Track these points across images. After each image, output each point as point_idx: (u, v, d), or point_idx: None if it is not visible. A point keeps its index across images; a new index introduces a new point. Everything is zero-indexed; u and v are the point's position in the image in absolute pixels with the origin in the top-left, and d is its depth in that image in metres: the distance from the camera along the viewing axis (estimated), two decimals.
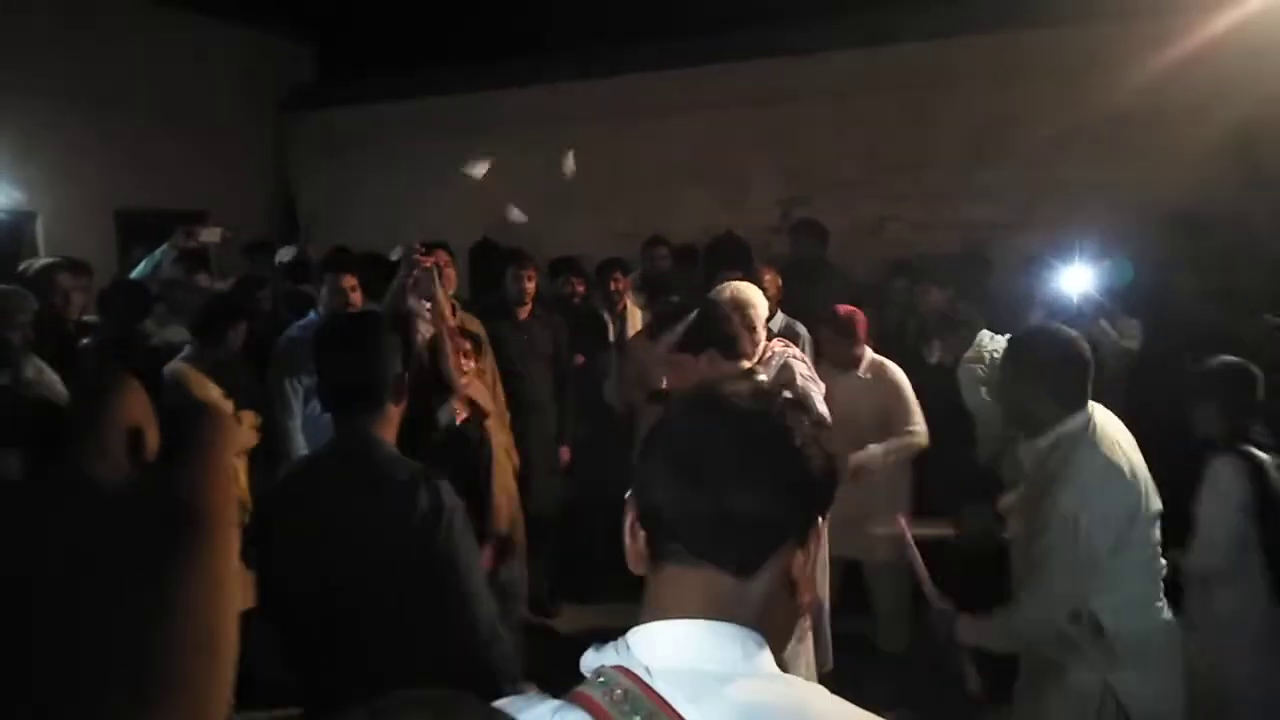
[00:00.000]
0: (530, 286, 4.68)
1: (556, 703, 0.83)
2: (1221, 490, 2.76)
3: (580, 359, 4.95)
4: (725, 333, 2.82)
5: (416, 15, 8.37)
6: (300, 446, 3.92)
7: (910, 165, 6.37)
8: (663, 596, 0.91)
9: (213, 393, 3.73)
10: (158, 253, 5.13)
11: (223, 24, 8.04)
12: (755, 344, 3.10)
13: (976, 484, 3.53)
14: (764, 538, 0.91)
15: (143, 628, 0.29)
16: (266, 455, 3.86)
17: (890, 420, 3.84)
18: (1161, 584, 2.39)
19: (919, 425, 3.86)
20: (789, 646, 2.70)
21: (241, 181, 8.17)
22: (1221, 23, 5.34)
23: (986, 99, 6.07)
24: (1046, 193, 5.84)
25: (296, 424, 3.95)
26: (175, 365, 3.79)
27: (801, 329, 4.32)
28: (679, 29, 7.00)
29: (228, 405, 3.71)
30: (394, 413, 1.96)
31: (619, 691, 0.81)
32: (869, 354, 4.01)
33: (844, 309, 4.04)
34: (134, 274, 5.22)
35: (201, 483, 0.33)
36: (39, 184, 6.56)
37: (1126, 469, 2.26)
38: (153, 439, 0.33)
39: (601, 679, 0.84)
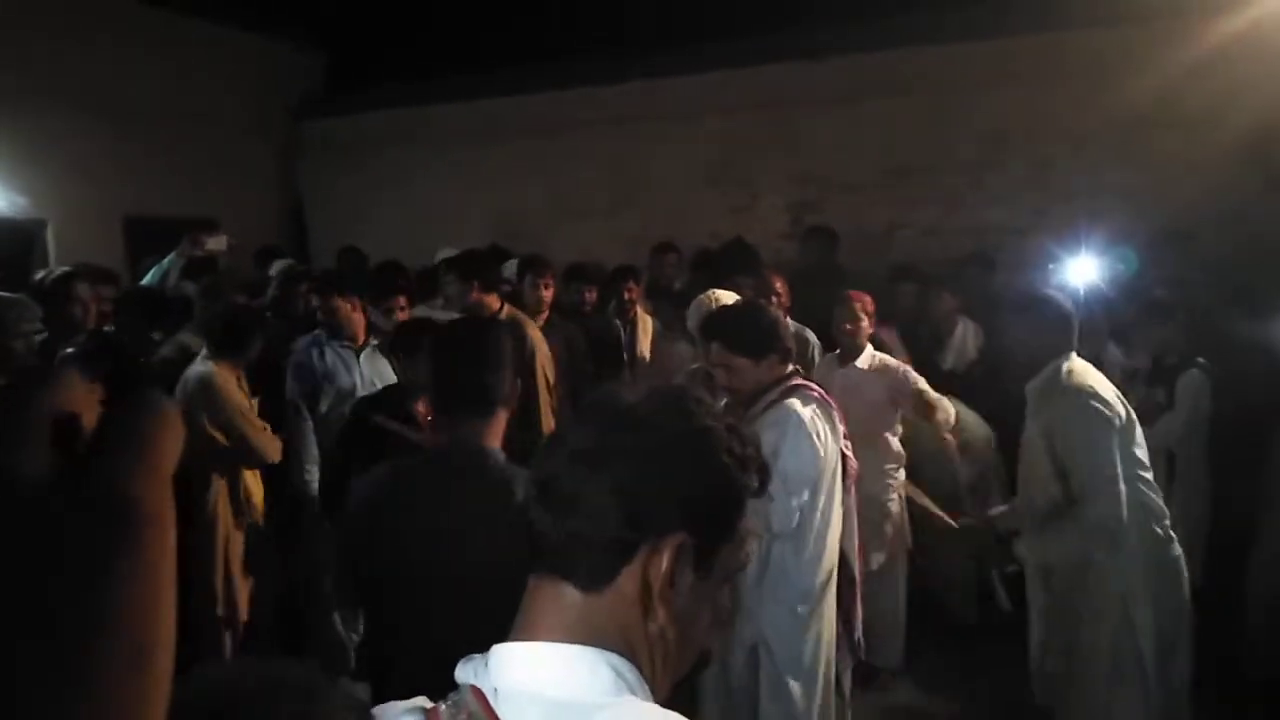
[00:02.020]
0: (547, 294, 4.66)
1: (414, 711, 0.85)
2: None
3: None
4: (785, 339, 2.81)
5: (426, 23, 8.37)
6: (314, 458, 3.93)
7: (921, 170, 6.33)
8: (526, 609, 0.90)
9: (240, 396, 3.73)
10: (165, 261, 5.12)
11: (234, 32, 8.06)
12: None
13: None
14: (604, 551, 0.87)
15: (68, 635, 0.27)
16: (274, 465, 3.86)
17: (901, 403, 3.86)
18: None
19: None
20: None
21: (251, 189, 8.19)
22: (1236, 25, 5.29)
23: (998, 104, 6.02)
24: (1060, 198, 5.79)
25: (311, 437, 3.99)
26: (203, 368, 3.76)
27: (811, 336, 4.29)
28: (689, 34, 6.97)
29: (255, 417, 3.73)
30: (504, 419, 2.02)
31: (463, 714, 0.83)
32: (870, 348, 4.01)
33: (855, 294, 4.05)
34: (143, 282, 5.23)
35: (137, 479, 0.30)
36: (49, 191, 6.58)
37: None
38: (87, 432, 0.31)
39: (453, 698, 0.85)
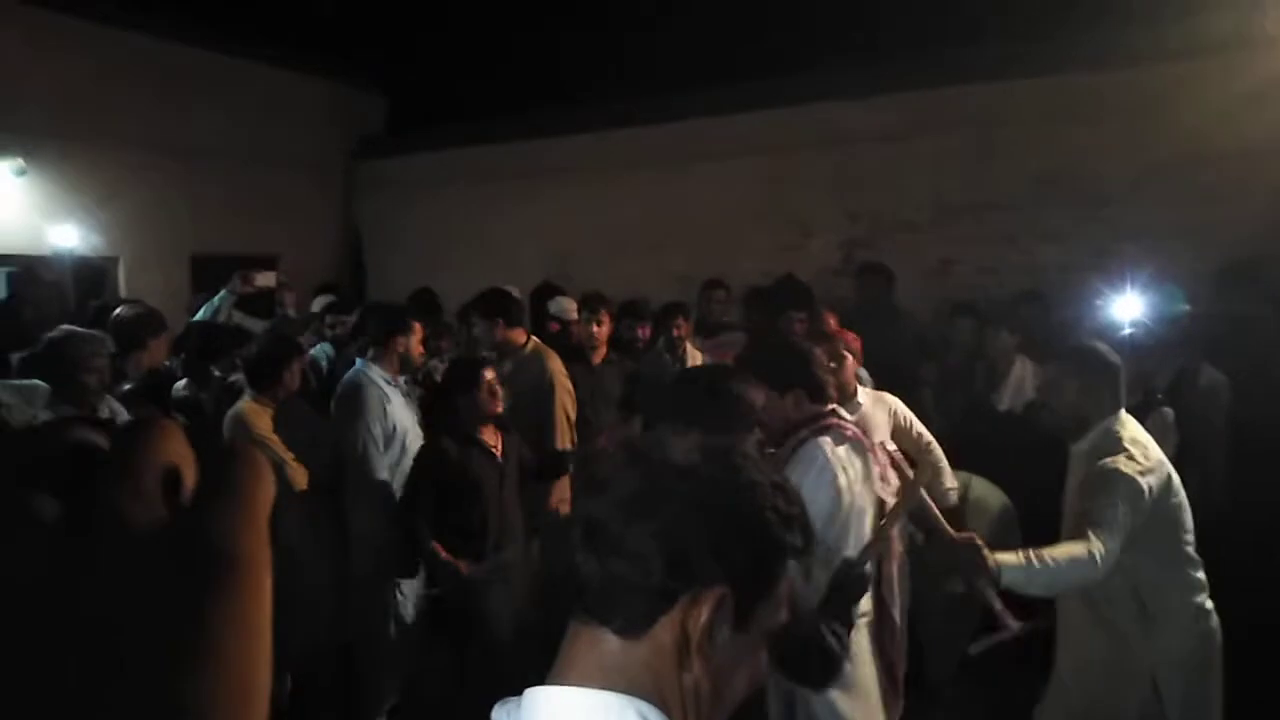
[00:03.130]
0: (600, 331, 4.71)
1: None
2: None
3: None
4: (814, 373, 2.71)
5: (482, 68, 8.60)
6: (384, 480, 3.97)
7: (974, 207, 6.26)
8: (564, 650, 0.91)
9: (269, 432, 3.80)
10: (216, 300, 5.27)
11: (298, 77, 8.36)
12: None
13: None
14: (644, 599, 0.88)
15: (177, 675, 0.29)
16: (329, 493, 3.91)
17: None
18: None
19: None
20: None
21: (312, 227, 8.43)
22: None
23: (1052, 141, 5.95)
24: (1117, 236, 5.68)
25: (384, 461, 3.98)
26: (239, 406, 3.88)
27: (863, 373, 4.23)
28: (739, 73, 7.04)
29: (282, 448, 3.79)
30: None
31: None
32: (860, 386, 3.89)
33: (834, 329, 4.00)
34: (195, 319, 5.37)
35: (237, 527, 0.32)
36: (121, 230, 6.86)
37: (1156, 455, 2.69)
38: (190, 481, 0.33)
39: None
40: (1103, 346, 2.88)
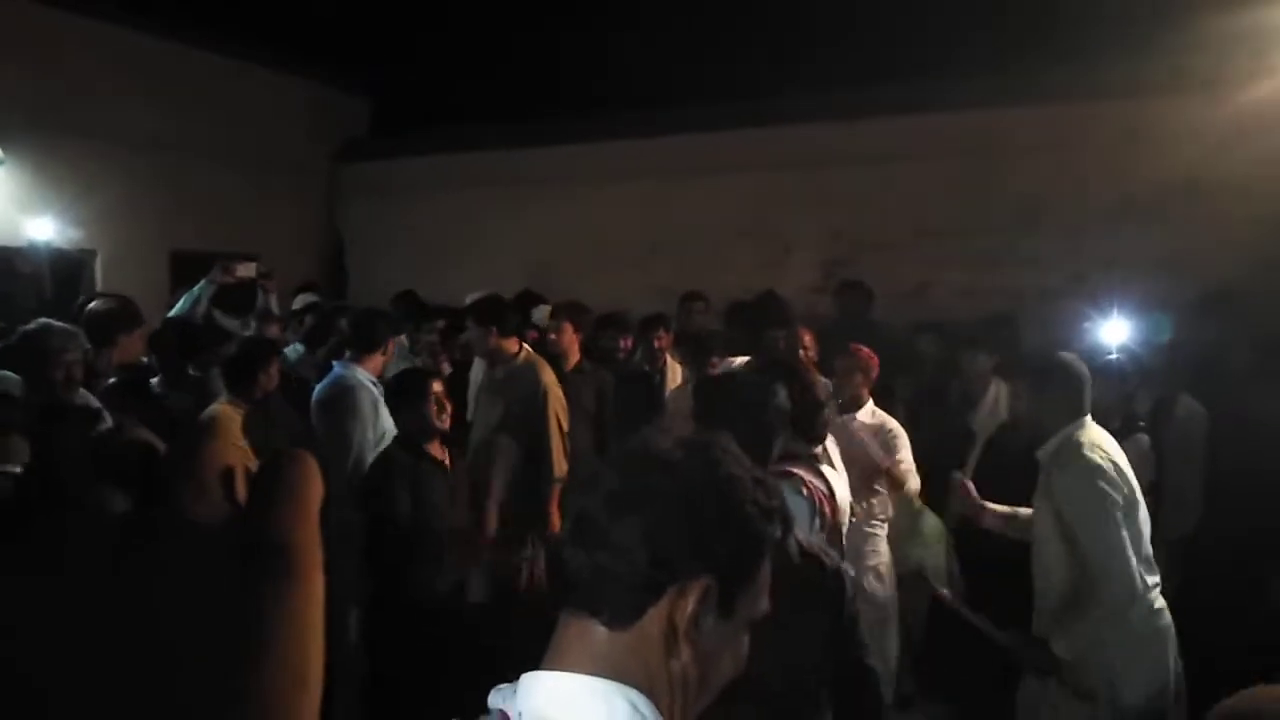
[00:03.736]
0: (563, 339, 4.73)
1: None
2: None
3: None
4: (806, 405, 2.61)
5: (468, 74, 8.61)
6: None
7: (954, 231, 6.33)
8: (555, 641, 0.94)
9: (237, 437, 3.73)
10: (196, 289, 5.23)
11: (282, 77, 8.33)
12: None
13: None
14: (632, 591, 0.91)
15: (238, 665, 0.31)
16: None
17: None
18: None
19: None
20: None
21: (293, 228, 8.38)
22: (1270, 93, 5.29)
23: (1034, 168, 6.04)
24: (1096, 263, 5.77)
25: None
26: (213, 407, 3.84)
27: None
28: (725, 92, 7.10)
29: (250, 453, 3.74)
30: None
31: None
32: (870, 403, 4.07)
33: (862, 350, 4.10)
34: (173, 311, 5.33)
35: (291, 525, 0.34)
36: (100, 224, 6.78)
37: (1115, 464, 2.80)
38: (242, 482, 0.35)
39: (482, 719, 0.92)
40: (1069, 358, 3.01)
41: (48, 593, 0.31)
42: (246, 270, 5.42)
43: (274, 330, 5.37)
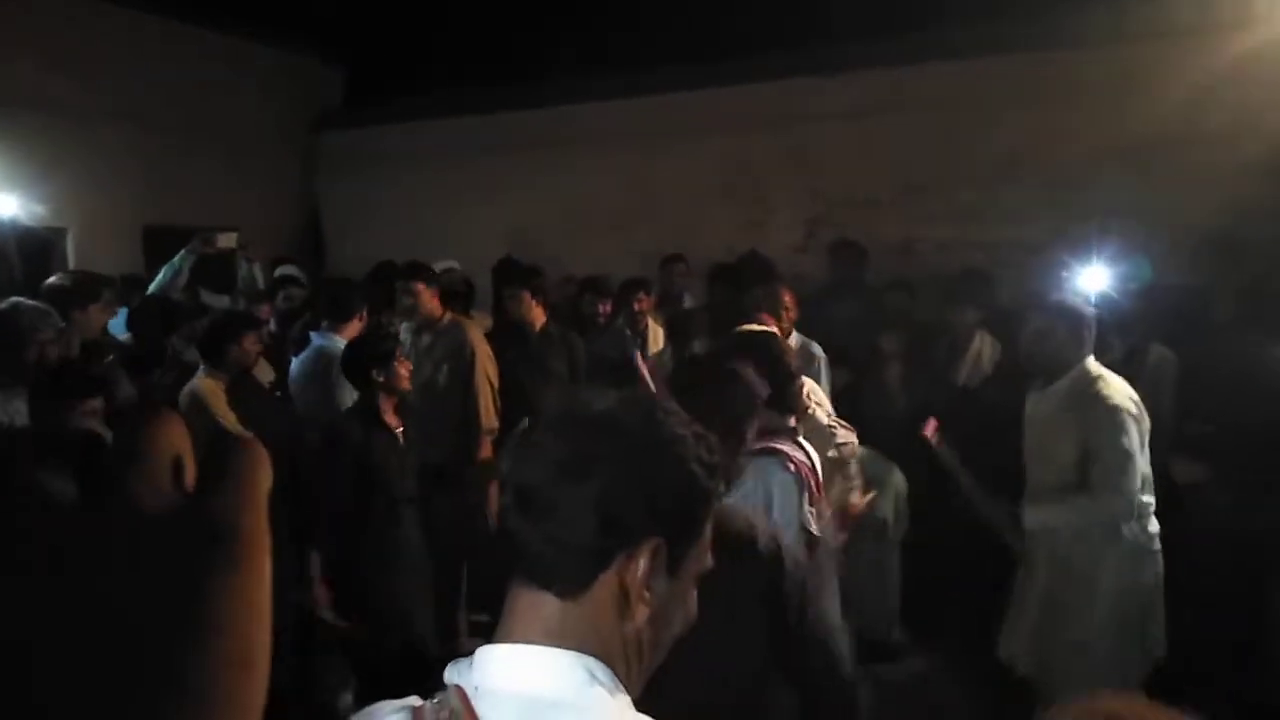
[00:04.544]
0: (525, 305, 4.72)
1: (403, 710, 0.90)
2: None
3: None
4: (779, 380, 2.49)
5: (444, 39, 8.45)
6: None
7: (937, 186, 6.30)
8: (507, 614, 0.94)
9: (225, 409, 3.73)
10: (176, 260, 5.17)
11: (255, 46, 8.17)
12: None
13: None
14: (582, 559, 0.90)
15: (188, 642, 0.32)
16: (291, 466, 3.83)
17: None
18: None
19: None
20: None
21: (269, 200, 8.25)
22: (1256, 41, 5.25)
23: (1015, 120, 5.99)
24: (1078, 215, 5.75)
25: None
26: (193, 383, 3.81)
27: (817, 349, 4.22)
28: (704, 50, 7.00)
29: (238, 424, 3.71)
30: None
31: (445, 711, 0.88)
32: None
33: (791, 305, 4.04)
34: (154, 284, 5.26)
35: (238, 509, 0.35)
36: (70, 199, 6.65)
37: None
38: (191, 468, 0.36)
39: (439, 696, 0.90)
40: (1074, 300, 3.25)
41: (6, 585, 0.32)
42: (227, 241, 5.36)
43: (264, 311, 5.24)
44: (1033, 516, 3.05)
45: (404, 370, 3.53)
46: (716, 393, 2.13)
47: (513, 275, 4.91)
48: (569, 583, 0.90)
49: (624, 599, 0.91)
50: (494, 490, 4.24)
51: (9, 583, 0.31)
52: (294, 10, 8.09)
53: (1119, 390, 3.02)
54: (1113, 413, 2.94)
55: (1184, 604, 3.10)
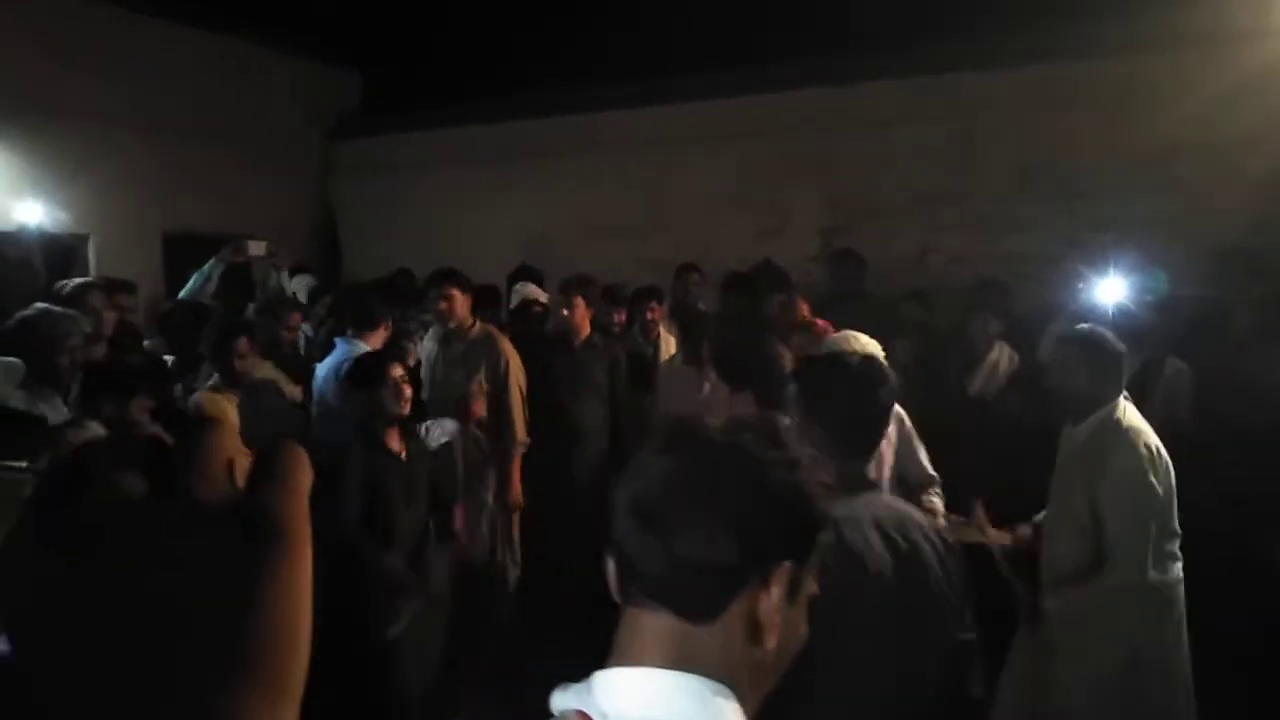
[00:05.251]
0: (576, 315, 4.73)
1: None
2: None
3: None
4: (771, 375, 2.47)
5: (460, 46, 8.51)
6: None
7: (952, 196, 6.31)
8: (625, 637, 0.91)
9: (233, 418, 3.73)
10: (206, 267, 5.23)
11: (274, 53, 8.24)
12: None
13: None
14: (718, 583, 0.88)
15: (240, 625, 0.36)
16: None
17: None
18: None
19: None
20: None
21: (287, 206, 8.32)
22: (1273, 50, 5.25)
23: (1031, 130, 6.00)
24: (1092, 225, 5.75)
25: None
26: (199, 394, 3.85)
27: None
28: (719, 59, 7.03)
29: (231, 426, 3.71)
30: None
31: None
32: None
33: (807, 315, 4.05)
34: (184, 291, 5.33)
35: (284, 506, 0.39)
36: (91, 206, 6.73)
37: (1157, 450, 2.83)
38: (242, 469, 0.41)
39: None
40: (1108, 334, 2.97)
41: (81, 574, 0.36)
42: (258, 248, 5.42)
43: (294, 319, 5.19)
44: (1049, 604, 2.90)
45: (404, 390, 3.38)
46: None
47: (570, 283, 4.85)
48: (697, 606, 0.88)
49: (753, 624, 0.88)
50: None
51: (87, 571, 0.35)
52: (312, 18, 8.18)
53: (1144, 435, 2.82)
54: (1131, 462, 2.77)
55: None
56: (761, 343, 2.68)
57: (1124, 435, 2.79)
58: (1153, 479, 2.75)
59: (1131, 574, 2.74)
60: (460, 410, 4.13)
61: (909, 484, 3.11)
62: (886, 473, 2.98)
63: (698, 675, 0.85)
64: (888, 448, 2.98)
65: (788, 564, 0.90)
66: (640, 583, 0.90)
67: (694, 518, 0.88)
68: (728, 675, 0.87)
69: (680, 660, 0.86)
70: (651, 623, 0.89)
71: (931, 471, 3.23)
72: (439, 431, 4.01)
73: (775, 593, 0.89)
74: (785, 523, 0.91)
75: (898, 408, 3.04)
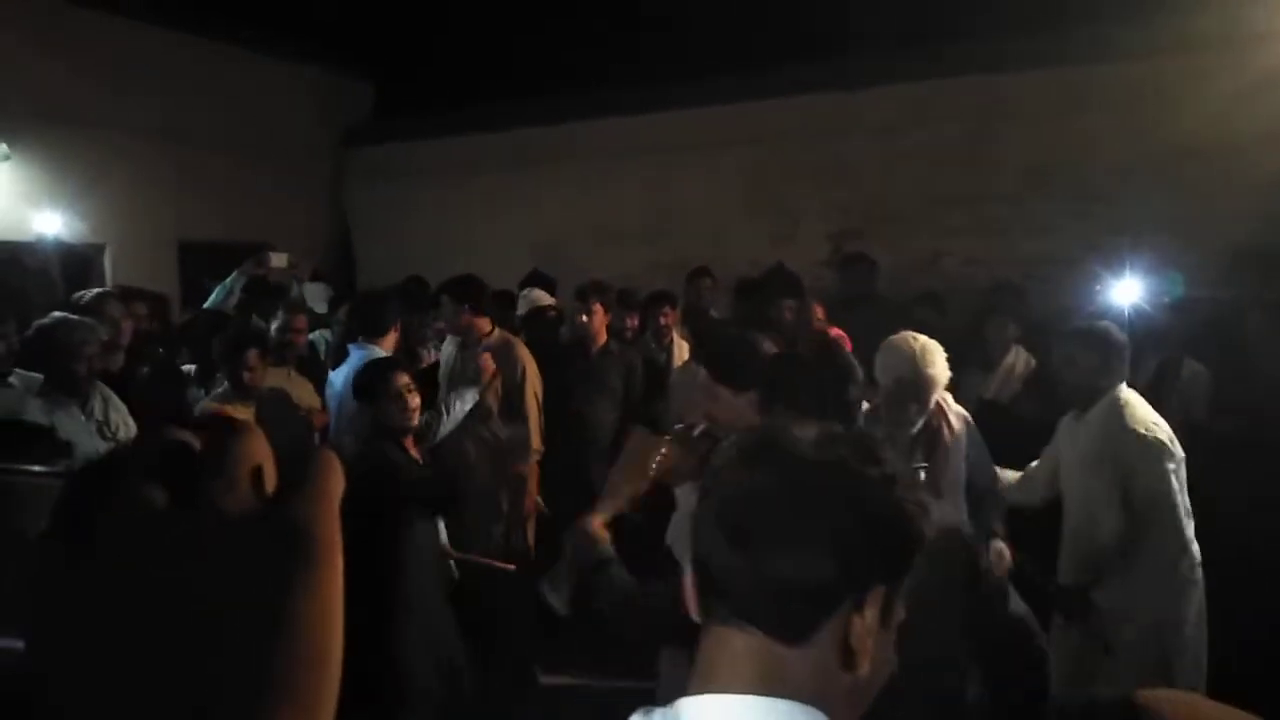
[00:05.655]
0: (595, 321, 4.74)
1: None
2: None
3: None
4: (780, 377, 2.44)
5: (471, 54, 8.55)
6: None
7: (965, 199, 6.29)
8: (710, 657, 0.87)
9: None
10: (229, 280, 5.26)
11: (286, 64, 8.30)
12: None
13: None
14: (812, 603, 0.84)
15: (268, 637, 0.34)
16: None
17: None
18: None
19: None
20: None
21: (301, 215, 8.38)
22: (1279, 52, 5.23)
23: (1044, 133, 5.98)
24: (1107, 228, 5.72)
25: None
26: (204, 403, 3.87)
27: None
28: (730, 64, 7.03)
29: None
30: None
31: None
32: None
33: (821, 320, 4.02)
34: (208, 303, 5.36)
35: (314, 514, 0.37)
36: (107, 216, 6.79)
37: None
38: (272, 476, 0.39)
39: None
40: (1110, 324, 3.13)
41: (104, 587, 0.34)
42: (279, 261, 5.44)
43: (300, 321, 5.23)
44: (1102, 600, 2.95)
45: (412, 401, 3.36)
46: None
47: (587, 289, 4.84)
48: (789, 627, 0.84)
49: (845, 648, 0.84)
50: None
51: (110, 584, 0.34)
52: (324, 27, 8.24)
53: (1151, 418, 2.96)
54: (1148, 445, 2.88)
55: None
56: (755, 342, 2.63)
57: (1136, 413, 2.94)
58: (1170, 461, 2.89)
59: (1185, 549, 2.86)
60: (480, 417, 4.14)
61: (975, 492, 2.97)
62: (952, 476, 2.85)
63: (788, 699, 0.82)
64: (954, 452, 2.86)
65: (883, 586, 0.86)
66: (727, 601, 0.87)
67: (790, 535, 0.84)
68: (819, 700, 0.83)
69: (770, 683, 0.83)
70: (740, 643, 0.85)
71: (997, 488, 3.10)
72: (460, 404, 4.03)
73: (870, 615, 0.85)
74: (884, 543, 0.86)
75: (961, 410, 3.06)
